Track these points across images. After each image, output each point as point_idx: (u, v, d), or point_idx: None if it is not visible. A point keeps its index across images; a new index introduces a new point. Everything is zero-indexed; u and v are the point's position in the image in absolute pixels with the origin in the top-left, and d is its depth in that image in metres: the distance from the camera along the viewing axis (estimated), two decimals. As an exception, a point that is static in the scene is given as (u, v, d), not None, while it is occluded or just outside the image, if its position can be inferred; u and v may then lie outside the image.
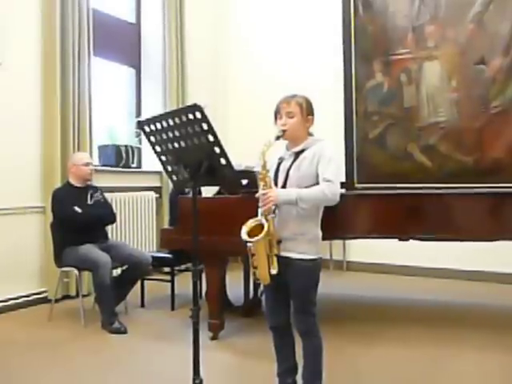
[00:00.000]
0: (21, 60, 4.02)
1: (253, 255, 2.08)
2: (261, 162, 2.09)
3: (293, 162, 2.14)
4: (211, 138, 2.00)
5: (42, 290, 4.12)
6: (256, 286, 3.81)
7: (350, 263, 5.48)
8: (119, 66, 5.37)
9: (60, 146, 4.15)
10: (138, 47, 5.53)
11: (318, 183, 2.07)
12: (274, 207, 2.08)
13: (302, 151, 2.14)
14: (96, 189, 3.87)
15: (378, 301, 4.27)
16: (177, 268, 4.15)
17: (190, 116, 1.97)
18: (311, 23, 5.56)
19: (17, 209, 3.96)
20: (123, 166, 4.86)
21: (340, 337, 3.16)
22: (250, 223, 2.10)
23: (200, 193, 3.95)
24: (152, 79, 5.47)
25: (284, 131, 2.12)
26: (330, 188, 2.03)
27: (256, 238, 2.03)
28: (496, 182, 3.46)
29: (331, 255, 5.44)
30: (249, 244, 2.07)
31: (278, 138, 2.12)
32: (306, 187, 2.06)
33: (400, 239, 3.29)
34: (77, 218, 3.59)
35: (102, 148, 4.84)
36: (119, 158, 4.82)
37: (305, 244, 2.10)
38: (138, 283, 3.90)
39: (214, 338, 3.18)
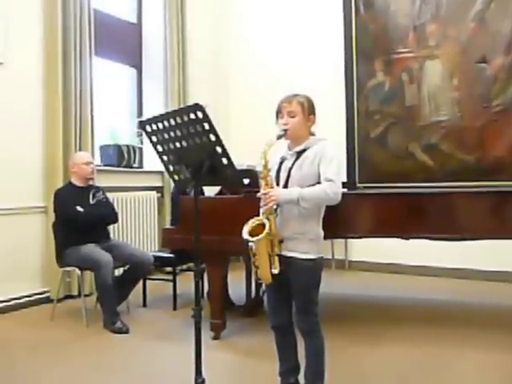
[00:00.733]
0: (23, 60, 4.03)
1: (254, 255, 2.09)
2: (262, 162, 2.09)
3: (294, 162, 2.14)
4: (213, 138, 1.99)
5: (44, 289, 4.13)
6: (258, 285, 3.81)
7: (352, 262, 5.47)
8: (121, 66, 5.37)
9: (62, 146, 4.16)
10: (140, 47, 5.53)
11: (319, 183, 2.07)
12: (275, 207, 2.08)
13: (304, 151, 2.14)
14: (98, 188, 3.87)
15: (380, 300, 4.26)
16: (179, 268, 4.16)
17: (192, 116, 1.97)
18: (312, 22, 5.55)
19: (19, 209, 3.96)
20: (125, 166, 4.87)
21: (342, 336, 3.16)
22: (252, 223, 2.10)
23: (202, 192, 3.95)
24: (153, 79, 5.48)
25: (285, 131, 2.12)
26: (332, 187, 2.03)
27: (257, 238, 2.03)
28: (498, 180, 3.46)
29: (333, 254, 5.43)
30: (250, 244, 2.07)
31: (279, 137, 2.12)
32: (308, 187, 2.06)
33: (402, 238, 3.29)
34: (79, 218, 3.60)
35: (103, 148, 4.84)
36: (121, 157, 4.83)
37: (306, 243, 2.10)
38: (140, 283, 3.90)
39: (215, 337, 3.18)
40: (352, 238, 4.24)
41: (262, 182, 2.09)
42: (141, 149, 5.11)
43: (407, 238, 3.25)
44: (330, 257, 5.37)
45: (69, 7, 4.22)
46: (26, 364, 2.86)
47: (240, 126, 5.82)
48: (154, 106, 5.36)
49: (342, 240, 5.35)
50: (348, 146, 4.03)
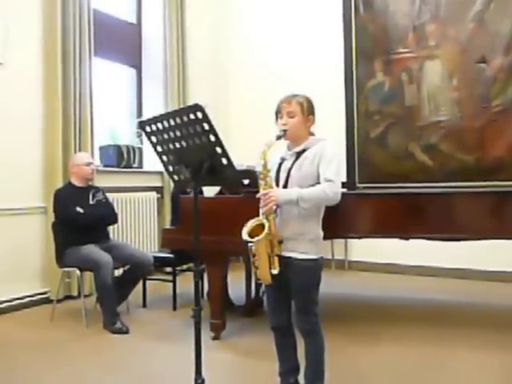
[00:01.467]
0: (22, 60, 4.03)
1: (254, 255, 2.08)
2: (261, 162, 2.09)
3: (294, 162, 2.14)
4: (212, 138, 1.99)
5: (44, 290, 4.13)
6: (258, 285, 3.81)
7: (352, 262, 5.48)
8: (120, 66, 5.37)
9: (62, 147, 4.16)
10: (139, 47, 5.53)
11: (319, 183, 2.07)
12: (274, 207, 2.08)
13: (304, 151, 2.14)
14: (98, 189, 3.88)
15: (380, 300, 4.26)
16: (178, 268, 4.15)
17: (192, 116, 1.97)
18: (312, 22, 5.56)
19: (19, 209, 3.96)
20: (124, 167, 4.87)
21: (342, 336, 3.16)
22: (251, 223, 2.10)
23: (202, 192, 3.95)
24: (153, 79, 5.48)
25: (285, 131, 2.12)
26: (331, 187, 2.03)
27: (257, 238, 2.03)
28: (497, 180, 3.46)
29: (333, 254, 5.43)
30: (250, 244, 2.07)
31: (278, 137, 2.12)
32: (308, 187, 2.06)
33: (401, 238, 3.29)
34: (79, 219, 3.60)
35: (103, 148, 4.84)
36: (120, 158, 4.82)
37: (306, 244, 2.10)
38: (140, 283, 3.90)
39: (215, 337, 3.19)
40: (352, 238, 4.24)
41: (262, 183, 2.09)
42: (140, 149, 5.11)
43: (407, 238, 3.25)
44: (329, 257, 5.37)
45: (68, 7, 4.22)
46: (25, 364, 2.86)
47: (240, 125, 5.82)
48: (154, 107, 5.36)
49: (342, 240, 5.35)
50: (348, 146, 4.03)
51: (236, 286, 3.94)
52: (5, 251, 3.87)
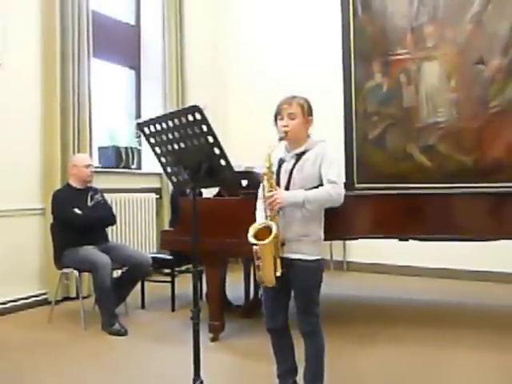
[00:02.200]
0: (21, 61, 4.03)
1: (258, 258, 2.05)
2: (266, 164, 2.06)
3: (295, 164, 2.13)
4: (211, 140, 2.00)
5: (42, 291, 4.12)
6: (256, 287, 3.81)
7: (350, 263, 5.48)
8: (119, 68, 5.37)
9: (60, 148, 4.15)
10: (138, 49, 5.54)
11: (321, 184, 2.07)
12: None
13: (304, 152, 2.14)
14: (96, 190, 3.87)
15: (379, 301, 4.27)
16: (177, 269, 4.15)
17: (190, 117, 1.98)
18: (310, 24, 5.56)
19: (17, 210, 3.96)
20: (123, 168, 4.87)
21: (340, 337, 3.16)
22: (256, 226, 2.08)
23: (200, 194, 3.95)
24: (152, 81, 5.48)
25: (286, 132, 2.11)
26: (335, 189, 2.04)
27: (264, 242, 2.00)
28: (495, 181, 3.45)
29: (331, 255, 5.44)
30: (255, 247, 2.05)
31: (280, 139, 2.11)
32: (310, 188, 2.06)
33: (400, 239, 3.29)
34: (77, 220, 3.59)
35: (102, 149, 4.84)
36: (119, 159, 4.82)
37: (309, 245, 2.10)
38: (138, 284, 3.90)
39: (214, 339, 3.18)
40: (350, 239, 4.25)
41: (267, 185, 2.07)
42: (139, 150, 5.11)
43: (405, 239, 3.25)
44: (328, 258, 5.37)
45: (67, 8, 4.22)
46: (23, 366, 2.85)
47: (238, 128, 5.82)
48: (153, 108, 5.36)
49: (341, 241, 5.35)
50: (346, 147, 4.02)
51: (235, 287, 3.94)
52: (3, 252, 3.86)
